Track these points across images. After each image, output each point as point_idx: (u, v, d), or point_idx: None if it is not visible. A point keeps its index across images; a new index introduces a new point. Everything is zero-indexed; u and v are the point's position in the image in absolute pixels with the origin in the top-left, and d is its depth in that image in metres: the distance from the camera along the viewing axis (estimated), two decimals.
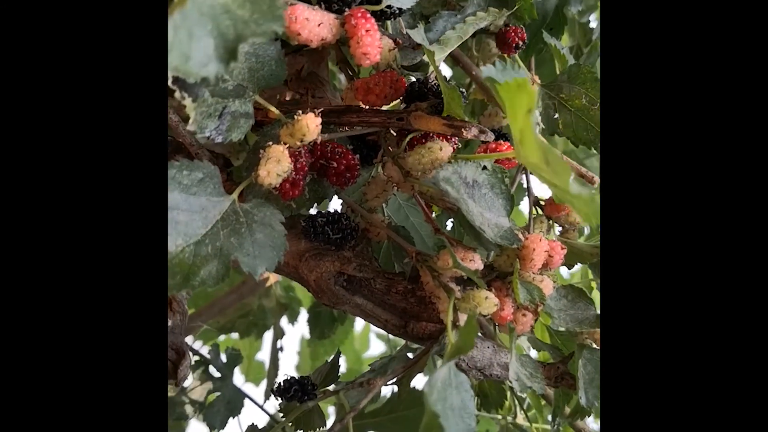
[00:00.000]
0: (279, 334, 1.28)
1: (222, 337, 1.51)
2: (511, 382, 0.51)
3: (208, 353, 1.05)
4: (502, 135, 0.65)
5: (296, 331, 1.62)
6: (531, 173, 0.61)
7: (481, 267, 0.53)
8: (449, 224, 0.77)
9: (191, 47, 0.37)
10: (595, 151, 0.67)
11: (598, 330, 0.57)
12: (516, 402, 0.88)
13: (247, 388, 1.20)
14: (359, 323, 1.58)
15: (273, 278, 1.37)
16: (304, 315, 1.41)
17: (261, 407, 1.07)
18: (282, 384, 0.57)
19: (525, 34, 0.60)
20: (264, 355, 1.57)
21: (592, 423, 0.78)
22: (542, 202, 0.63)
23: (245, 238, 0.48)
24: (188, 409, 1.01)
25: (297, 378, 0.57)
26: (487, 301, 0.50)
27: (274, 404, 1.13)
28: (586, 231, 1.03)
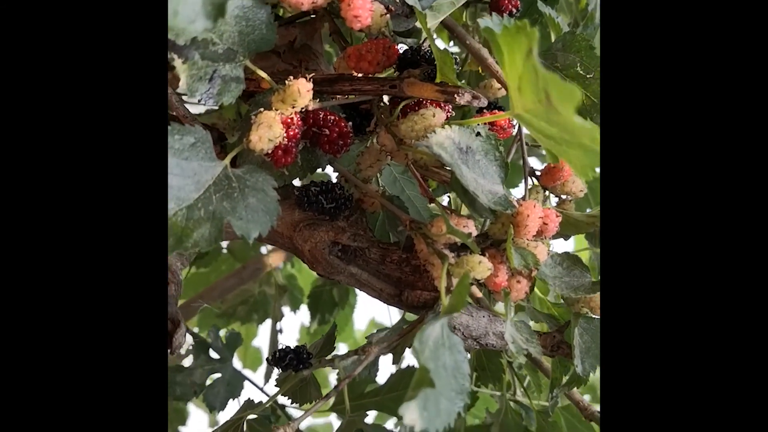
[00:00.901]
0: (278, 316, 1.28)
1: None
2: (507, 345, 0.51)
3: (208, 335, 1.05)
4: (497, 106, 0.64)
5: (296, 319, 1.63)
6: (526, 139, 0.61)
7: (475, 233, 0.53)
8: (445, 199, 0.77)
9: (179, 3, 0.37)
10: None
11: (594, 298, 0.57)
12: (515, 378, 0.88)
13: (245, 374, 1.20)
14: (360, 311, 1.58)
15: (275, 261, 1.37)
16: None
17: (261, 389, 1.07)
18: (278, 353, 0.57)
19: (518, 2, 0.60)
20: (260, 341, 1.58)
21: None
22: (538, 173, 0.63)
23: (238, 203, 0.47)
24: (188, 390, 1.01)
25: (293, 347, 0.57)
26: (481, 266, 0.50)
27: (274, 387, 1.14)
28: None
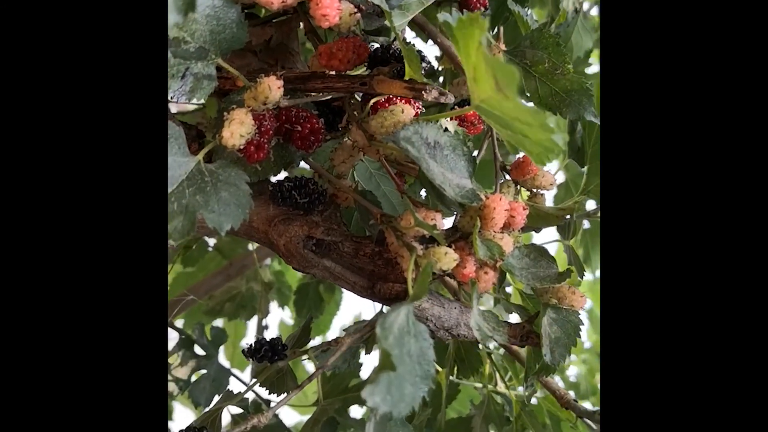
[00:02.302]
0: (264, 312, 1.29)
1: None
2: (473, 332, 0.52)
3: (193, 332, 1.06)
4: (468, 102, 0.66)
5: (284, 315, 1.63)
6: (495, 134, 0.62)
7: (443, 226, 0.54)
8: (423, 193, 0.78)
9: None
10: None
11: (562, 288, 0.59)
12: (496, 370, 0.90)
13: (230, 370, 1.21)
14: (345, 308, 1.59)
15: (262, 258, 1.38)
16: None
17: (246, 384, 1.08)
18: (253, 345, 0.58)
19: (487, 0, 0.61)
20: (249, 340, 1.59)
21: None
22: (508, 167, 0.65)
23: (210, 196, 0.49)
24: (173, 386, 1.02)
25: (267, 339, 0.59)
26: (447, 257, 0.51)
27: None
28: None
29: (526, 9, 0.67)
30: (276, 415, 0.90)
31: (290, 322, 1.58)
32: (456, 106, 0.64)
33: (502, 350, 0.82)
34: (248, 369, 1.64)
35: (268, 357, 0.57)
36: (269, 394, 0.66)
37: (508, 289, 0.91)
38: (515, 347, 0.80)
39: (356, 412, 1.11)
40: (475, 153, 0.65)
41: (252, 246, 1.44)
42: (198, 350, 1.07)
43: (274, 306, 1.49)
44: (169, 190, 0.47)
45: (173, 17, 0.39)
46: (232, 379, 1.05)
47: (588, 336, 1.80)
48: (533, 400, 0.93)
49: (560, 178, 1.18)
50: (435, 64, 0.80)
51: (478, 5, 0.61)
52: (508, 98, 0.37)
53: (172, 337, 1.05)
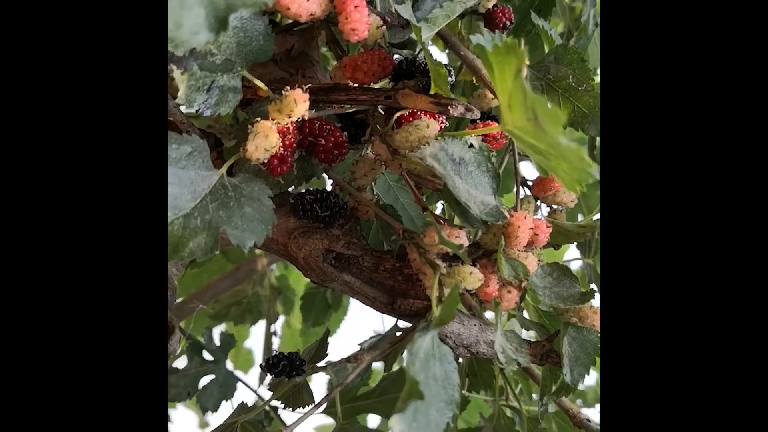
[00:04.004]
0: (272, 318, 1.29)
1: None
2: (496, 354, 0.52)
3: (202, 337, 1.05)
4: (490, 116, 0.65)
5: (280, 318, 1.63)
6: (518, 148, 0.62)
7: (467, 244, 0.53)
8: (439, 206, 0.78)
9: (183, 15, 0.38)
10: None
11: (584, 308, 0.58)
12: (507, 384, 0.89)
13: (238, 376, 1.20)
14: (352, 315, 1.59)
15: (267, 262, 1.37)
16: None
17: (254, 391, 1.07)
18: (271, 359, 0.57)
19: (512, 14, 0.61)
20: (252, 342, 1.58)
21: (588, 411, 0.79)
22: (529, 183, 0.64)
23: (234, 212, 0.48)
24: (181, 391, 1.02)
25: (286, 353, 0.58)
26: (472, 276, 0.50)
27: (267, 389, 1.14)
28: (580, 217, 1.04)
29: (549, 23, 0.67)
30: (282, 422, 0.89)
31: (296, 326, 1.57)
32: (478, 120, 0.63)
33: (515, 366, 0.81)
34: (252, 371, 1.63)
35: (286, 372, 0.57)
36: (285, 408, 0.66)
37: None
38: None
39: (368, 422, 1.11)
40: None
41: (259, 251, 1.43)
42: (206, 355, 1.07)
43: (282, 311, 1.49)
44: (193, 204, 0.47)
45: (204, 35, 0.38)
46: (239, 384, 1.05)
47: None
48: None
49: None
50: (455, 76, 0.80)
51: (504, 20, 0.60)
52: (546, 133, 0.37)
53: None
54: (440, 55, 0.99)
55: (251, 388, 1.06)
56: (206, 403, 1.01)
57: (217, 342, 1.07)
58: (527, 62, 0.64)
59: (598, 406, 1.65)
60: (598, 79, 0.66)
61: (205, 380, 1.03)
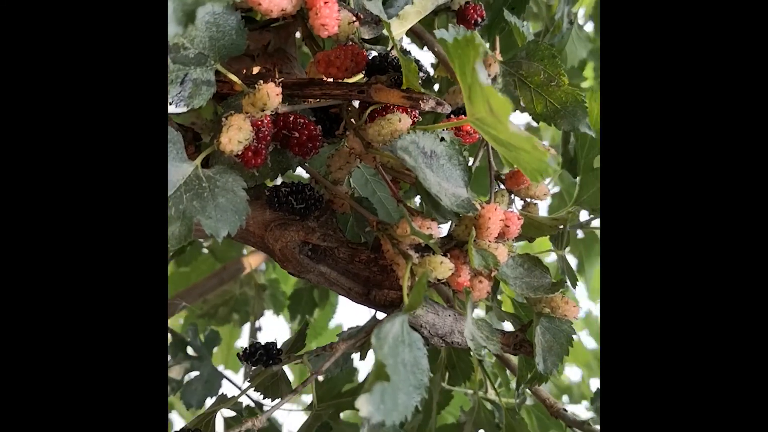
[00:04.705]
0: (257, 315, 1.29)
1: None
2: (467, 342, 0.53)
3: (187, 333, 1.06)
4: (464, 111, 0.66)
5: (281, 322, 1.63)
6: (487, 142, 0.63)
7: (438, 235, 0.55)
8: (417, 200, 0.79)
9: None
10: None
11: (555, 298, 0.59)
12: (486, 377, 0.90)
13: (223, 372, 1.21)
14: (342, 313, 1.60)
15: (255, 262, 1.38)
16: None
17: (238, 387, 1.08)
18: (248, 348, 0.58)
19: (484, 11, 0.62)
20: (243, 343, 1.59)
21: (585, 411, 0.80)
22: (503, 176, 0.65)
23: (208, 202, 0.49)
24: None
25: (263, 343, 0.59)
26: (442, 266, 0.52)
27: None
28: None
29: (522, 20, 0.68)
30: (269, 419, 0.90)
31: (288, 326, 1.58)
32: (452, 115, 0.64)
33: (493, 357, 0.82)
34: (242, 372, 1.64)
35: (263, 361, 0.57)
36: (263, 398, 0.66)
37: (499, 297, 0.91)
38: (507, 355, 0.80)
39: (349, 416, 1.12)
40: (471, 162, 0.66)
41: (246, 250, 1.44)
42: (191, 352, 1.07)
43: (269, 314, 1.49)
44: (167, 194, 0.48)
45: (173, 28, 0.39)
46: (224, 381, 1.05)
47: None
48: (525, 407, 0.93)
49: (555, 188, 1.19)
50: (431, 71, 0.81)
51: (475, 16, 0.62)
52: (501, 123, 0.38)
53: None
54: (419, 53, 1.00)
55: (236, 384, 1.07)
56: (190, 400, 1.02)
57: (202, 339, 1.08)
58: (500, 58, 0.65)
59: (585, 402, 1.66)
60: (590, 78, 0.67)
61: (189, 377, 1.04)
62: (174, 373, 1.01)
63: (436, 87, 0.82)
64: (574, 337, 0.60)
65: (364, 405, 0.39)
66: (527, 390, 0.69)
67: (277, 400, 0.66)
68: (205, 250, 1.49)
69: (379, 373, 0.40)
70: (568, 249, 0.86)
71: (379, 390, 0.41)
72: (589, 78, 1.18)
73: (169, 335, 1.03)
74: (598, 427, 0.68)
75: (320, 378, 0.91)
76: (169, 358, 1.03)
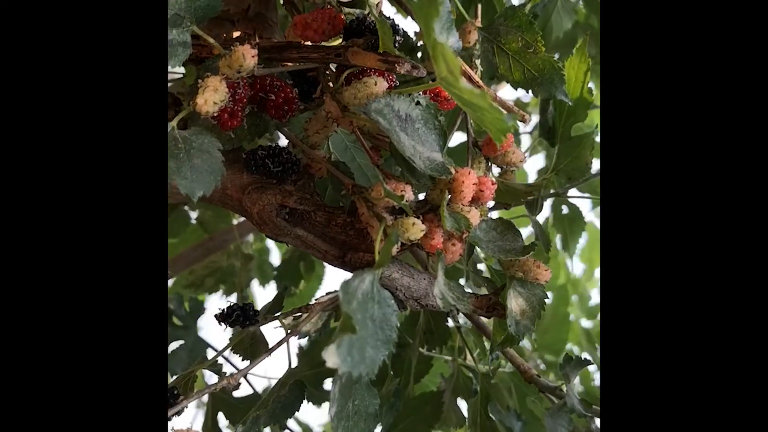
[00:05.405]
0: (244, 284, 1.30)
1: None
2: (436, 300, 0.54)
3: (171, 302, 1.07)
4: None
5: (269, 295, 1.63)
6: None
7: (412, 197, 0.55)
8: (399, 169, 0.80)
9: None
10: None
11: (527, 262, 0.60)
12: (465, 345, 0.92)
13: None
14: (326, 285, 1.61)
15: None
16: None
17: (223, 355, 1.09)
18: (225, 309, 0.59)
19: None
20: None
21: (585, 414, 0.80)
22: (480, 143, 0.66)
23: (183, 163, 0.50)
24: None
25: (240, 304, 0.60)
26: (414, 227, 0.52)
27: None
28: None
29: None
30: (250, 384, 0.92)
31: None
32: (430, 81, 0.65)
33: (470, 324, 0.83)
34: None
35: (240, 322, 0.59)
36: (242, 360, 0.68)
37: (482, 267, 0.93)
38: (482, 321, 0.81)
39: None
40: (449, 128, 0.66)
41: (235, 221, 1.44)
42: (176, 321, 1.09)
43: (255, 284, 1.51)
44: None
45: None
46: (210, 351, 1.07)
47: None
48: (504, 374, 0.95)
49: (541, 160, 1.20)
50: (416, 39, 0.81)
51: None
52: (458, 80, 0.38)
53: None
54: (405, 22, 1.00)
55: (219, 351, 1.08)
56: (175, 368, 1.03)
57: (186, 308, 1.09)
58: (479, 24, 0.66)
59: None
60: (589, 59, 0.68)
61: (174, 345, 1.05)
62: None
63: (419, 55, 0.82)
64: (546, 301, 0.61)
65: (330, 356, 0.40)
66: (502, 355, 0.71)
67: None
68: (194, 222, 1.50)
69: (346, 325, 0.41)
70: (546, 218, 0.87)
71: (346, 342, 0.42)
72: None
73: None
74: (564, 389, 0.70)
75: (302, 343, 0.92)
76: None
